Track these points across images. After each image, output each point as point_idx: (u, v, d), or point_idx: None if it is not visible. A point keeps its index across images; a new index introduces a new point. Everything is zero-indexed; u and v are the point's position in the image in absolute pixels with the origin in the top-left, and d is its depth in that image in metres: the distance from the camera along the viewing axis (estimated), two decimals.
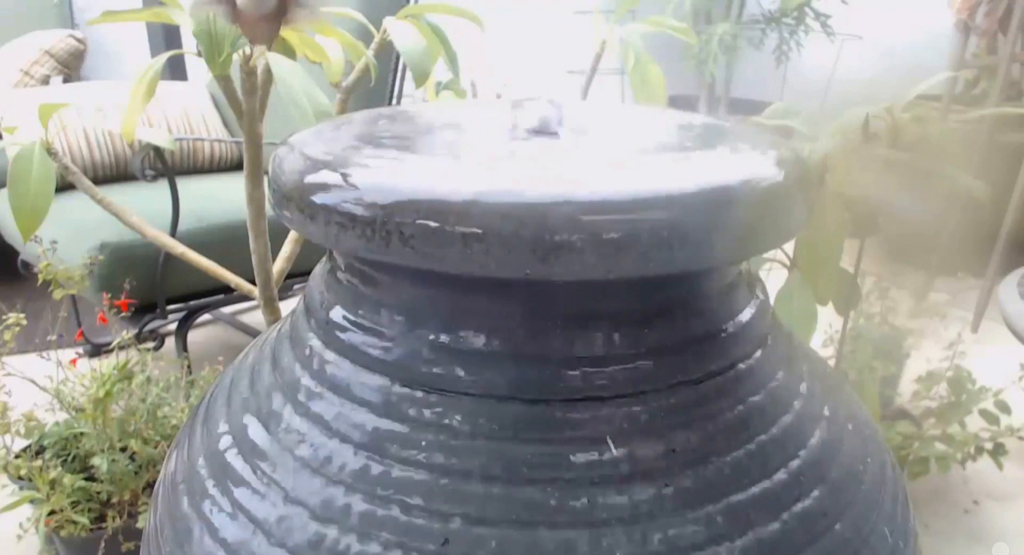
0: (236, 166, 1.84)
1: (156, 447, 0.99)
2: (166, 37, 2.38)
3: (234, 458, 0.47)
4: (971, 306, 1.79)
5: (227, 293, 1.46)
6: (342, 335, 0.47)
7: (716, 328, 0.46)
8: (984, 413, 1.12)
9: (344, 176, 0.42)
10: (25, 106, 1.62)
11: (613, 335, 0.43)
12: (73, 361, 1.07)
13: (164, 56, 0.74)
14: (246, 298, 1.10)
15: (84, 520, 0.94)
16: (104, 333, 1.66)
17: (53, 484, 0.94)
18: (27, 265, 1.49)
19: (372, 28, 0.87)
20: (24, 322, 0.99)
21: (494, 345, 0.43)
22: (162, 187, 1.32)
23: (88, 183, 0.91)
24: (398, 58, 1.57)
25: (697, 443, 0.43)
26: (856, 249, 0.94)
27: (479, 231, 0.38)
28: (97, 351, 1.68)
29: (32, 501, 0.96)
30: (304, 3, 0.40)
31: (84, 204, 1.04)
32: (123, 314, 1.21)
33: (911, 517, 0.51)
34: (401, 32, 0.81)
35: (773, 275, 0.83)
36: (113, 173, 1.68)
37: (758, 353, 0.48)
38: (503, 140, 0.49)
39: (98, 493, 0.97)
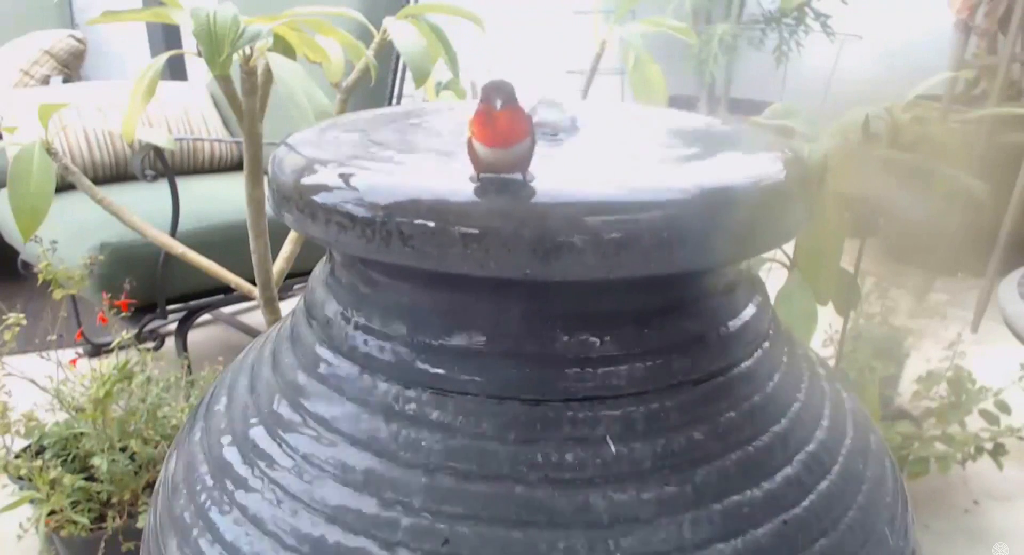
0: (236, 166, 1.84)
1: (156, 447, 0.99)
2: (166, 37, 2.38)
3: (234, 458, 0.47)
4: (971, 306, 1.78)
5: (227, 293, 1.45)
6: (342, 335, 0.47)
7: (716, 328, 0.46)
8: (984, 413, 1.12)
9: (344, 176, 0.42)
10: (25, 106, 1.62)
11: (613, 335, 0.43)
12: (73, 361, 1.07)
13: (164, 56, 0.74)
14: (246, 298, 1.09)
15: (84, 520, 0.94)
16: (104, 333, 1.66)
17: (53, 484, 0.94)
18: (27, 265, 1.49)
19: (372, 28, 0.87)
20: (24, 322, 0.99)
21: (494, 345, 0.43)
22: (162, 187, 1.31)
23: (88, 183, 0.90)
24: (398, 58, 1.57)
25: (697, 443, 0.43)
26: (856, 249, 0.94)
27: (479, 231, 0.38)
28: (97, 351, 1.68)
29: (32, 501, 0.96)
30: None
31: (84, 204, 1.04)
32: (123, 314, 1.21)
33: (911, 517, 0.51)
34: (401, 32, 0.80)
35: (773, 275, 0.83)
36: (113, 173, 1.68)
37: (758, 353, 0.48)
38: None
39: (98, 493, 0.97)
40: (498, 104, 0.39)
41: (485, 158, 0.40)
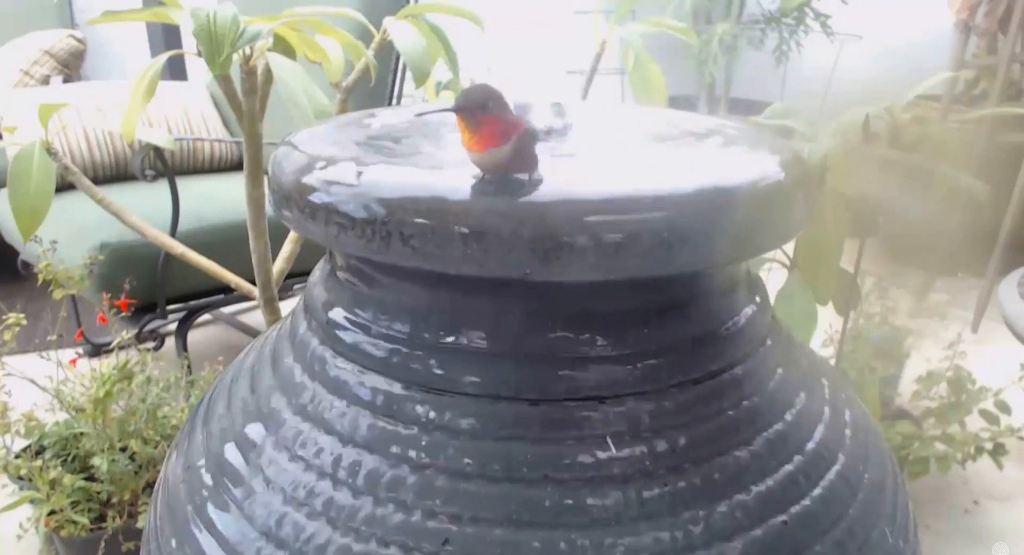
0: (236, 166, 1.84)
1: (156, 447, 0.99)
2: (166, 37, 2.38)
3: (234, 458, 0.47)
4: (971, 306, 1.78)
5: (227, 293, 1.45)
6: (342, 335, 0.47)
7: (716, 328, 0.46)
8: (984, 413, 1.12)
9: (344, 176, 0.42)
10: (25, 106, 1.62)
11: (613, 335, 0.43)
12: (73, 361, 1.07)
13: (164, 56, 0.74)
14: (246, 298, 1.09)
15: (84, 520, 0.94)
16: (104, 333, 1.66)
17: (53, 484, 0.94)
18: (27, 265, 1.49)
19: (372, 28, 0.87)
20: (24, 322, 0.99)
21: (494, 345, 0.43)
22: (162, 187, 1.31)
23: (88, 183, 0.91)
24: (398, 58, 1.56)
25: (697, 443, 0.43)
26: (856, 249, 0.94)
27: (479, 231, 0.38)
28: (97, 351, 1.67)
29: (32, 501, 0.96)
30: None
31: (84, 204, 1.04)
32: (123, 314, 1.21)
33: (911, 517, 0.51)
34: (401, 32, 0.80)
35: (773, 275, 0.83)
36: (113, 173, 1.68)
37: (758, 353, 0.48)
38: None
39: (98, 493, 0.97)
40: (471, 111, 0.40)
41: (471, 159, 0.41)
